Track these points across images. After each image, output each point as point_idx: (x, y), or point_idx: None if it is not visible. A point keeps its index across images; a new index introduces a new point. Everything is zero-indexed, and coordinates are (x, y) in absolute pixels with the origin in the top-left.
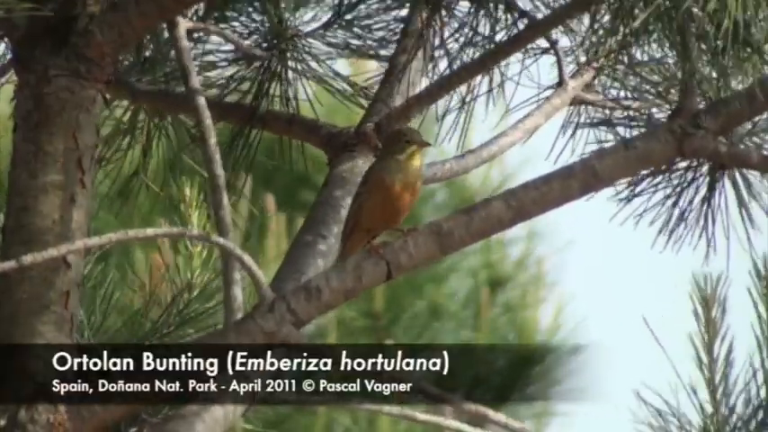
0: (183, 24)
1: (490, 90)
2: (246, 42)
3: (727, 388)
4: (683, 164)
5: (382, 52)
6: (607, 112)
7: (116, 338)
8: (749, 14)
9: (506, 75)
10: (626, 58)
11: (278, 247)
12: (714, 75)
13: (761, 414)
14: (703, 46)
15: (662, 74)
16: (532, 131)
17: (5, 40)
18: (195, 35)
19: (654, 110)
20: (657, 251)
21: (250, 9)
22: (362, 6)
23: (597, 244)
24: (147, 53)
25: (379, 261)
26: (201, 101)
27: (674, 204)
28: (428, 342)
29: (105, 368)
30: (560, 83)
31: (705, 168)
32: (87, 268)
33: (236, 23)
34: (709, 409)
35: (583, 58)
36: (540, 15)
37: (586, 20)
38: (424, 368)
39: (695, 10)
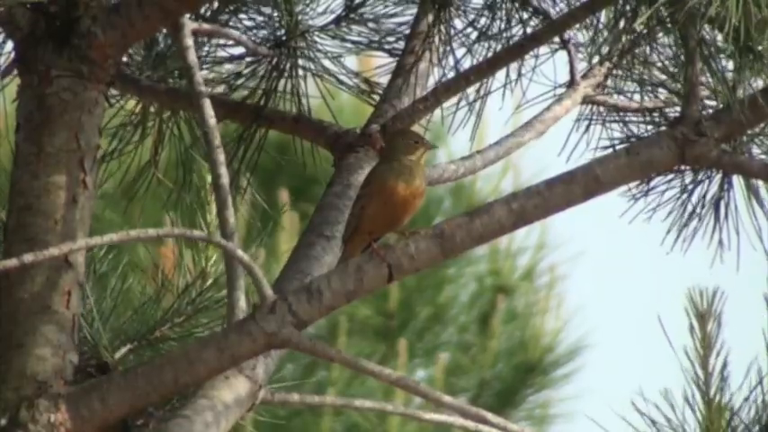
0: (189, 25)
1: (504, 86)
2: (253, 38)
3: (723, 402)
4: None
5: (396, 46)
6: (617, 111)
7: (127, 327)
8: (750, 16)
9: (515, 75)
10: (637, 58)
11: (290, 244)
12: (717, 81)
13: (759, 426)
14: (706, 52)
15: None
16: (542, 132)
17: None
18: (202, 37)
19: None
20: (666, 260)
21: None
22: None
23: (604, 254)
24: (159, 48)
25: (380, 263)
26: (206, 102)
27: (685, 202)
28: (436, 345)
29: (111, 366)
30: (572, 82)
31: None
32: (99, 254)
33: (243, 16)
34: (705, 422)
35: (595, 59)
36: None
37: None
38: (428, 370)
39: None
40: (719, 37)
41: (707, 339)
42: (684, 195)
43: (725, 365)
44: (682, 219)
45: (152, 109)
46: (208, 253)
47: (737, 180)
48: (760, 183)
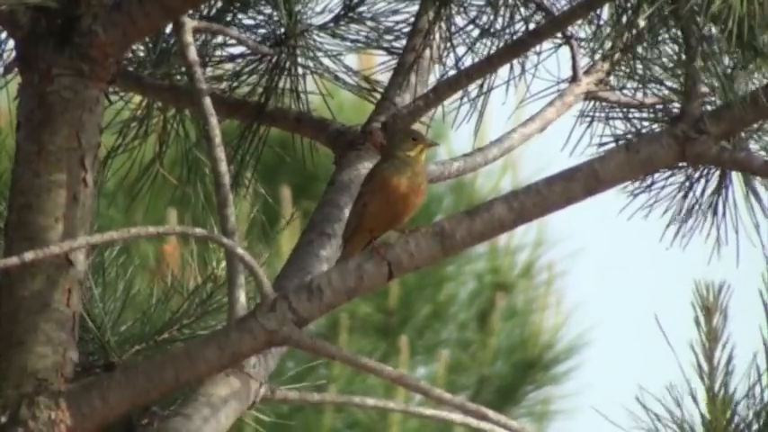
0: (190, 24)
1: (506, 82)
2: (254, 37)
3: (727, 395)
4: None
5: (396, 44)
6: (619, 106)
7: (135, 329)
8: (754, 14)
9: (517, 71)
10: (638, 55)
11: (292, 242)
12: (717, 78)
13: (762, 419)
14: (707, 49)
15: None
16: (543, 128)
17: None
18: (202, 35)
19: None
20: (664, 257)
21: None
22: None
23: (603, 250)
24: (161, 46)
25: (380, 261)
26: (207, 101)
27: (684, 197)
28: (436, 343)
29: (107, 364)
30: (574, 78)
31: (712, 167)
32: (110, 258)
33: (242, 16)
34: (708, 416)
35: (597, 55)
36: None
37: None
38: (430, 367)
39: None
40: (716, 32)
41: (713, 333)
42: (684, 192)
43: (730, 359)
44: (680, 215)
45: (157, 105)
46: (219, 255)
47: (736, 177)
48: (757, 180)
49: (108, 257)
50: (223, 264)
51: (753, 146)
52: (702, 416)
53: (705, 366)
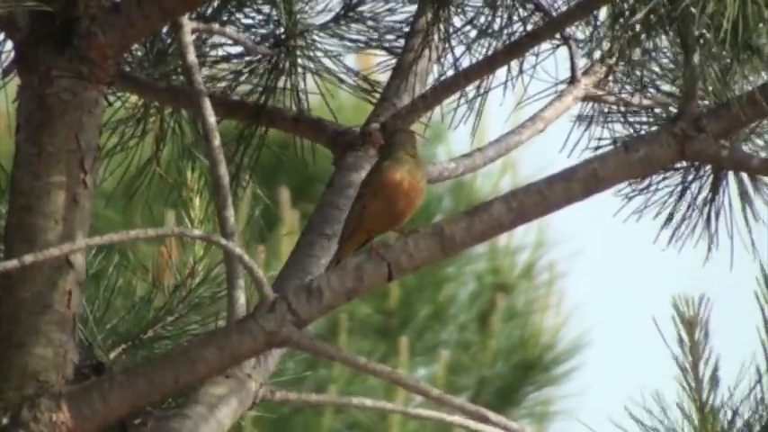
0: (189, 25)
1: (504, 83)
2: (253, 37)
3: (715, 407)
4: (687, 163)
5: (396, 44)
6: (618, 108)
7: (119, 327)
8: (747, 15)
9: (515, 71)
10: (635, 57)
11: (291, 243)
12: (715, 78)
13: (756, 428)
14: (704, 48)
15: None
16: (542, 129)
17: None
18: (201, 36)
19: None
20: (664, 258)
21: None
22: None
23: (603, 251)
24: (159, 45)
25: (380, 262)
26: (206, 101)
27: (678, 200)
28: (436, 344)
29: (107, 366)
30: (573, 79)
31: (708, 167)
32: (90, 255)
33: (241, 16)
34: (698, 426)
35: (595, 56)
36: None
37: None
38: (429, 368)
39: (693, 10)
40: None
41: (695, 347)
42: (678, 195)
43: (715, 370)
44: (675, 218)
45: (154, 105)
46: (195, 249)
47: (733, 180)
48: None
49: (88, 254)
50: (200, 257)
51: (744, 147)
52: (695, 427)
53: (692, 380)
